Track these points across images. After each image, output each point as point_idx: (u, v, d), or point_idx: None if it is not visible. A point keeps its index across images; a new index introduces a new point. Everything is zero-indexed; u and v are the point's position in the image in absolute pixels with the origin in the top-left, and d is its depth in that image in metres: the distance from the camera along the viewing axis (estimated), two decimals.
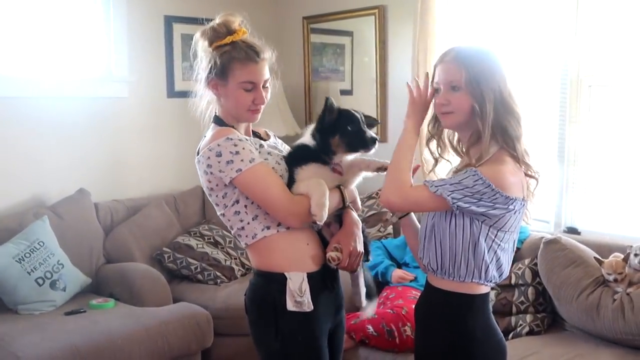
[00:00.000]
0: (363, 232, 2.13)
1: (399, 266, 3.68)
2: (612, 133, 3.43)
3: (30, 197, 3.82)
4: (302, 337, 2.00)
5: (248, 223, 2.01)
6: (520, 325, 3.15)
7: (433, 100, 1.91)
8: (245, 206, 2.00)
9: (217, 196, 2.02)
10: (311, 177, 2.01)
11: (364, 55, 4.46)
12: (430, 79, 1.91)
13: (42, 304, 3.38)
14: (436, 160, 2.03)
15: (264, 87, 2.05)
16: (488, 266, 1.87)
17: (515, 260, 2.12)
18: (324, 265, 2.05)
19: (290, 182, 2.03)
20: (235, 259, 4.00)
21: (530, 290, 3.22)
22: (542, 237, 3.27)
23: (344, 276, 2.17)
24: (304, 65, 4.79)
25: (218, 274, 3.87)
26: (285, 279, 1.98)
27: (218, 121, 2.08)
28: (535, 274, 3.23)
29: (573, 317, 3.09)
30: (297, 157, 2.07)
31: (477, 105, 1.82)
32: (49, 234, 3.57)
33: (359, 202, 2.19)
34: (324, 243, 2.09)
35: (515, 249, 1.97)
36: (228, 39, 2.01)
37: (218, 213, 2.06)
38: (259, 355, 2.09)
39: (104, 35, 4.10)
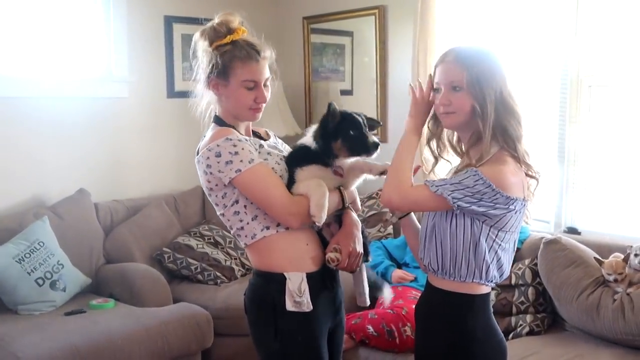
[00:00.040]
0: (363, 232, 2.13)
1: (399, 266, 3.68)
2: (612, 133, 3.43)
3: (31, 197, 3.82)
4: (301, 337, 2.00)
5: (247, 223, 2.00)
6: (521, 325, 3.15)
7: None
8: (245, 206, 2.00)
9: (216, 196, 2.02)
10: (311, 178, 2.01)
11: (364, 56, 4.46)
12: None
13: (42, 304, 3.38)
14: (436, 159, 2.03)
15: (264, 85, 2.05)
16: (489, 266, 1.87)
17: (515, 260, 2.12)
18: (324, 265, 2.05)
19: (290, 183, 2.03)
20: (236, 259, 4.00)
21: (531, 290, 3.22)
22: (542, 237, 3.27)
23: (345, 277, 2.17)
24: (304, 65, 4.79)
25: (218, 274, 3.87)
26: (285, 279, 1.98)
27: (218, 121, 2.08)
28: (535, 274, 3.23)
29: (573, 317, 3.09)
30: (298, 158, 2.07)
31: (478, 105, 1.82)
32: (49, 234, 3.57)
33: (359, 203, 2.19)
34: (324, 243, 2.09)
35: (515, 249, 1.97)
36: (228, 38, 2.01)
37: (218, 213, 2.07)
38: (259, 355, 2.09)
39: (104, 35, 4.10)
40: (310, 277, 2.00)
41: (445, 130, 1.99)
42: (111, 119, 4.14)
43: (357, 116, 2.03)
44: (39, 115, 3.81)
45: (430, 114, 1.95)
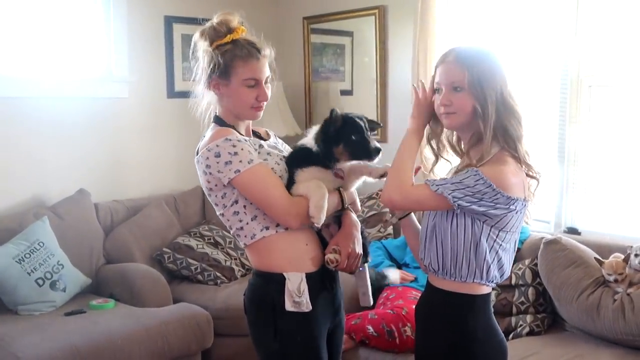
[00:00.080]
0: (362, 233, 2.13)
1: (399, 267, 3.67)
2: (612, 133, 3.42)
3: (31, 197, 3.82)
4: (300, 337, 2.00)
5: (247, 223, 2.00)
6: (521, 325, 3.15)
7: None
8: (244, 206, 1.99)
9: (216, 196, 2.02)
10: (311, 179, 2.01)
11: (364, 56, 4.46)
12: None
13: (42, 304, 3.38)
14: (437, 157, 2.03)
15: (265, 83, 2.05)
16: (490, 266, 1.87)
17: (515, 260, 2.12)
18: (323, 266, 2.05)
19: (290, 183, 2.03)
20: (235, 259, 4.00)
21: (531, 290, 3.22)
22: (543, 238, 3.27)
23: (345, 278, 2.17)
24: (304, 65, 4.79)
25: (218, 274, 3.87)
26: (284, 279, 1.98)
27: (218, 121, 2.08)
28: (535, 274, 3.23)
29: (573, 317, 3.09)
30: (299, 159, 2.06)
31: (480, 106, 1.82)
32: (49, 235, 3.56)
33: (359, 204, 2.19)
34: (324, 243, 2.09)
35: (516, 249, 1.97)
36: (229, 38, 2.01)
37: (217, 213, 2.07)
38: (258, 355, 2.09)
39: (104, 35, 4.10)
40: (309, 277, 2.00)
41: (444, 130, 1.99)
42: (111, 119, 4.14)
43: (358, 120, 2.03)
44: (39, 115, 3.81)
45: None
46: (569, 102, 3.47)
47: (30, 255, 3.41)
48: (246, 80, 2.01)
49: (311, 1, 4.72)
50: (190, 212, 4.29)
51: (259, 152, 2.02)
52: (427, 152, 2.10)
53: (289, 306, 1.96)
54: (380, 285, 3.35)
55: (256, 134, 2.18)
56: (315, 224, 1.97)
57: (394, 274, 2.34)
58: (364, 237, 2.14)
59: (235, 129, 2.05)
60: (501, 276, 1.92)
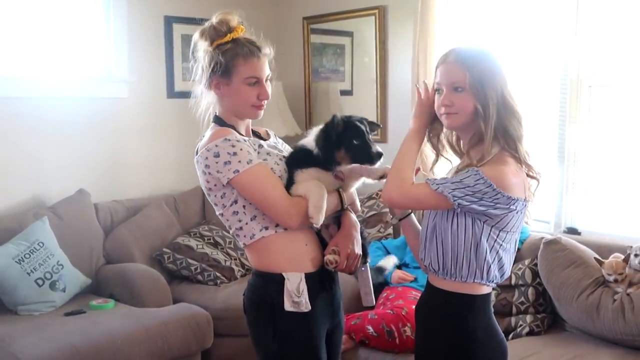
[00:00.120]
0: (362, 234, 2.13)
1: (399, 267, 3.68)
2: (612, 133, 3.42)
3: (30, 197, 3.82)
4: (299, 337, 2.00)
5: (246, 223, 2.00)
6: (520, 325, 3.15)
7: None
8: (244, 206, 1.99)
9: (215, 196, 2.02)
10: (311, 179, 2.01)
11: (364, 56, 4.46)
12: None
13: (42, 304, 3.38)
14: (437, 156, 2.03)
15: (265, 82, 2.05)
16: (490, 266, 1.87)
17: (515, 260, 2.12)
18: (322, 266, 2.05)
19: (290, 183, 2.03)
20: (235, 259, 4.00)
21: (530, 290, 3.22)
22: (542, 238, 3.27)
23: (345, 278, 2.17)
24: (304, 65, 4.79)
25: (218, 274, 3.87)
26: (283, 279, 1.98)
27: (218, 121, 2.08)
28: (535, 274, 3.23)
29: (573, 317, 3.09)
30: (299, 159, 2.06)
31: (481, 106, 1.82)
32: (48, 235, 3.56)
33: (358, 204, 2.19)
34: (323, 244, 2.09)
35: (516, 249, 1.97)
36: (229, 37, 2.01)
37: (217, 213, 2.06)
38: (257, 355, 2.08)
39: (104, 35, 4.10)
40: (308, 277, 2.00)
41: (444, 130, 1.99)
42: (111, 119, 4.14)
43: (360, 125, 2.02)
44: (39, 115, 3.81)
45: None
46: (569, 102, 3.47)
47: (30, 256, 3.41)
48: (247, 78, 2.01)
49: (311, 1, 4.72)
50: (190, 212, 4.29)
51: (258, 152, 2.02)
52: (428, 151, 2.09)
53: (288, 306, 1.96)
54: (378, 281, 3.34)
55: (256, 134, 2.18)
56: (314, 225, 1.97)
57: (387, 261, 2.32)
58: (363, 238, 2.14)
59: (235, 129, 2.05)
60: (501, 276, 1.92)
